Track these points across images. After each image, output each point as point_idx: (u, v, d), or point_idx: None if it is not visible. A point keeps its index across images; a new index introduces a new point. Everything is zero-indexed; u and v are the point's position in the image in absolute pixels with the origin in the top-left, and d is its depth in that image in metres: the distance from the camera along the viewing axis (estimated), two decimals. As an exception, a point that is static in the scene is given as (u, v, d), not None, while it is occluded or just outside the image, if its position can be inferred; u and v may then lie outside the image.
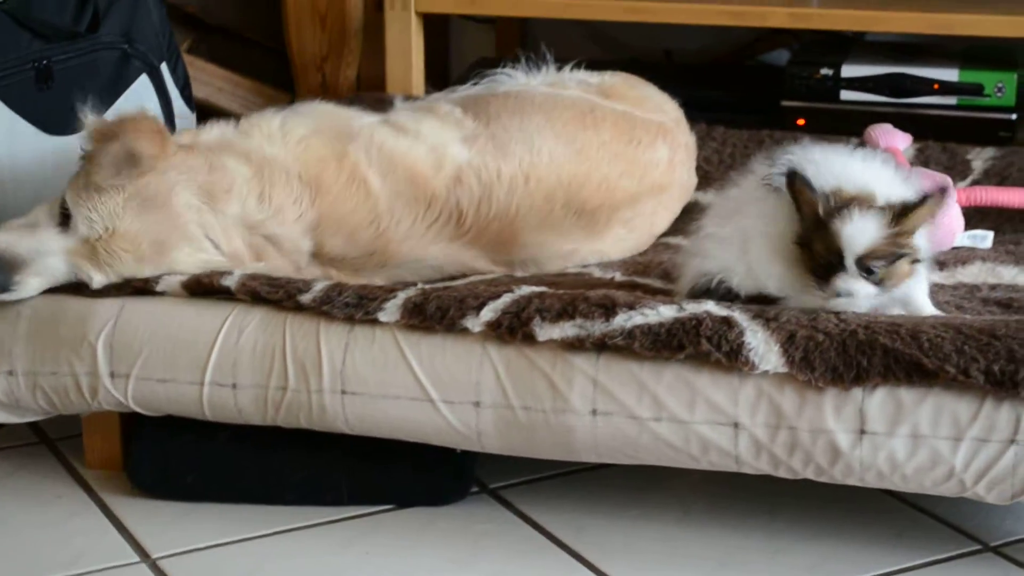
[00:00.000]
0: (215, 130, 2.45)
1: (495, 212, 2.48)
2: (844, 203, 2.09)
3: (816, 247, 2.10)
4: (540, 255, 2.53)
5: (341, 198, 2.42)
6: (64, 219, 2.28)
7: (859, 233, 2.08)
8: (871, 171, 2.15)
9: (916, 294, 2.22)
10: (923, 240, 2.13)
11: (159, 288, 2.26)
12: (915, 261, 2.13)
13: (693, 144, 2.80)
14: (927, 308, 2.20)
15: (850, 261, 2.09)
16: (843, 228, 2.08)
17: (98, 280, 2.27)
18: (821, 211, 2.09)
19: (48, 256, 2.26)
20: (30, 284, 2.27)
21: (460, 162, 2.49)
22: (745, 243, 2.18)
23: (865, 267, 2.09)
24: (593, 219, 2.54)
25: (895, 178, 2.16)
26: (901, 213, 2.09)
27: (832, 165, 2.15)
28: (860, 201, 2.10)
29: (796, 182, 2.11)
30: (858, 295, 2.10)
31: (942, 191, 2.13)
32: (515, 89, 2.68)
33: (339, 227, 2.41)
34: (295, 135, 2.45)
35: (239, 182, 2.36)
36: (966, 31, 3.07)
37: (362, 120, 2.55)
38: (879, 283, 2.10)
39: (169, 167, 2.30)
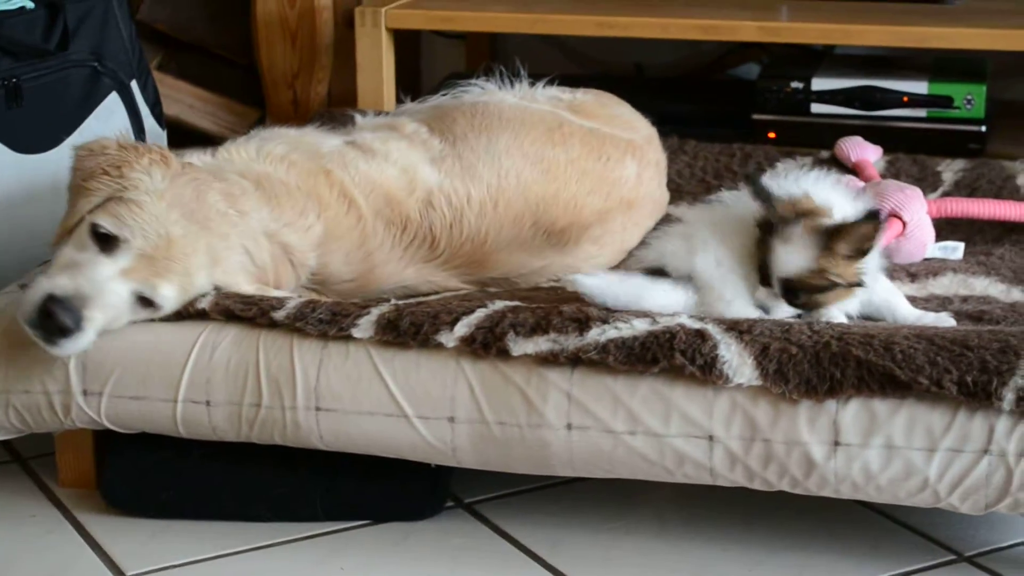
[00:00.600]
0: (194, 158, 2.39)
1: (466, 235, 2.48)
2: (792, 217, 2.15)
3: (760, 253, 2.15)
4: (511, 273, 2.53)
5: (339, 215, 2.39)
6: (104, 243, 2.19)
7: (788, 259, 2.15)
8: (835, 193, 2.22)
9: (899, 305, 2.26)
10: (873, 262, 2.20)
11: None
12: (856, 285, 2.19)
13: (664, 161, 2.80)
14: (912, 314, 2.26)
15: (775, 280, 2.17)
16: (777, 247, 2.15)
17: (165, 293, 2.18)
18: (772, 216, 2.16)
19: (108, 283, 2.15)
20: (96, 320, 2.15)
21: (431, 185, 2.48)
22: (689, 231, 2.26)
23: (790, 291, 2.17)
24: (562, 238, 2.54)
25: (855, 204, 2.22)
26: (833, 235, 2.14)
27: (802, 180, 2.23)
28: (809, 219, 2.15)
29: (755, 184, 2.19)
30: (775, 313, 2.17)
31: (878, 215, 2.18)
32: (482, 100, 2.67)
33: (339, 246, 2.39)
34: (275, 154, 2.42)
35: (248, 190, 2.33)
36: (935, 44, 3.08)
37: (328, 143, 2.52)
38: (803, 306, 2.18)
39: (185, 178, 2.25)
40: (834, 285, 2.17)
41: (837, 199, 2.21)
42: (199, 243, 2.21)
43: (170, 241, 2.19)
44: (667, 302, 2.20)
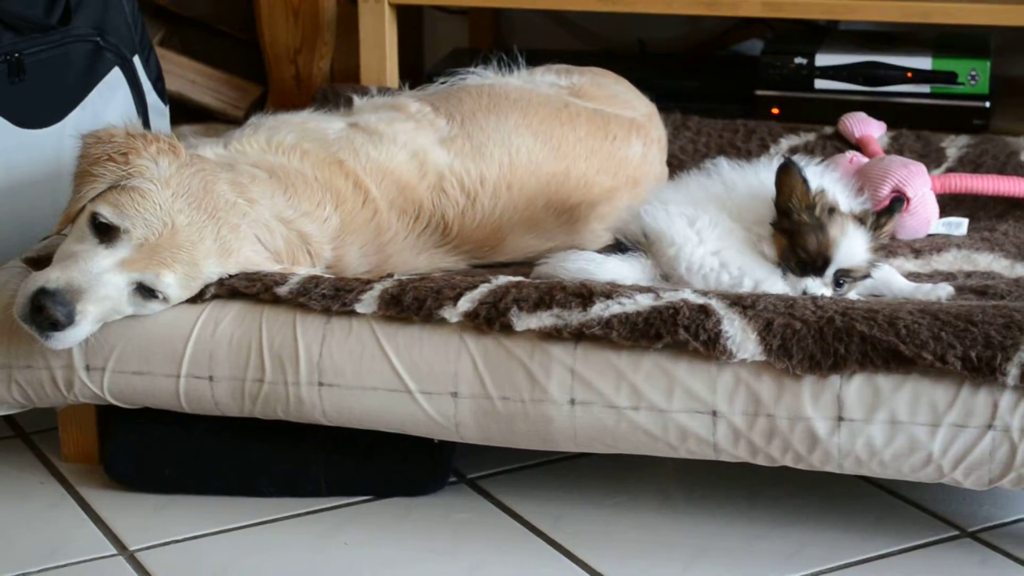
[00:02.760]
0: (207, 150, 2.36)
1: (480, 219, 2.47)
2: (832, 208, 2.19)
3: (805, 244, 2.16)
4: (520, 256, 2.52)
5: (355, 209, 2.37)
6: (103, 234, 2.16)
7: (853, 250, 2.18)
8: (836, 187, 2.27)
9: (894, 280, 2.28)
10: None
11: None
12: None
13: (665, 138, 2.80)
14: (909, 286, 2.30)
15: (831, 272, 2.19)
16: (841, 240, 2.17)
17: (168, 281, 2.16)
18: (817, 212, 2.17)
19: (104, 275, 2.13)
20: (90, 313, 2.13)
21: (441, 167, 2.46)
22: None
23: (839, 280, 2.20)
24: (572, 217, 2.53)
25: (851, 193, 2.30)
26: (877, 227, 2.21)
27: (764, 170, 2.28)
28: (841, 210, 2.20)
29: (792, 172, 2.19)
30: (817, 293, 2.19)
31: (901, 199, 2.26)
32: (487, 83, 2.66)
33: (355, 239, 2.36)
34: (287, 144, 2.39)
35: (260, 178, 2.29)
36: (940, 19, 3.07)
37: (332, 127, 2.49)
38: (844, 292, 2.22)
39: (192, 166, 2.22)
40: (872, 270, 2.23)
41: (839, 193, 2.26)
42: (205, 231, 2.18)
43: (174, 229, 2.16)
44: (619, 274, 2.22)
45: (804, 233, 2.19)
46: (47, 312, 2.10)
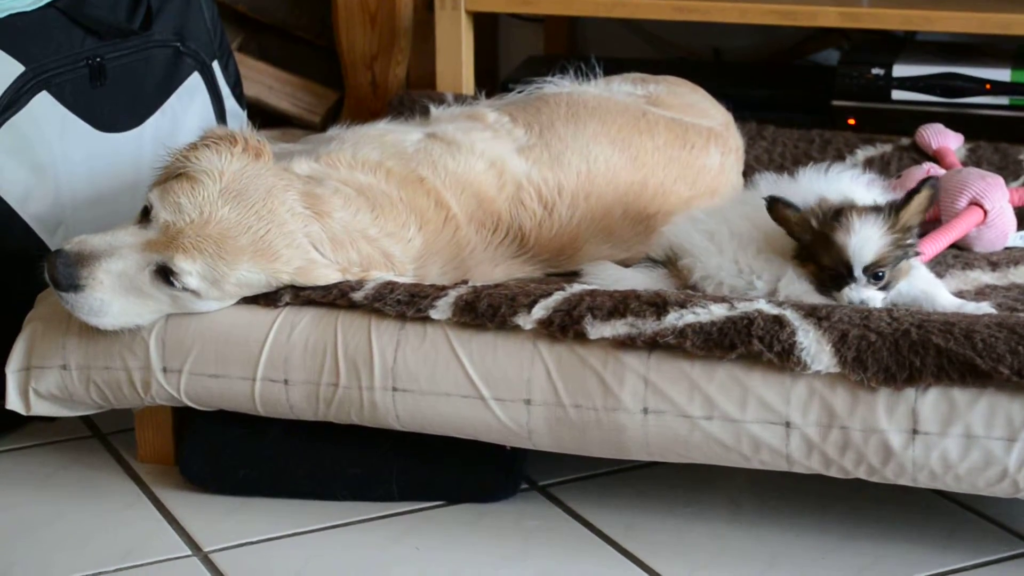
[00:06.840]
0: (303, 164, 2.34)
1: (557, 230, 2.47)
2: (836, 211, 2.16)
3: (822, 260, 2.15)
4: None
5: (437, 228, 2.36)
6: (144, 216, 2.21)
7: (866, 242, 2.14)
8: (844, 183, 2.24)
9: (938, 295, 2.25)
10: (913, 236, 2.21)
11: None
12: (916, 255, 2.20)
13: (742, 148, 2.79)
14: (952, 304, 2.24)
15: (859, 271, 2.16)
16: (849, 240, 2.14)
17: (183, 266, 2.15)
18: (816, 224, 2.16)
19: (122, 248, 2.17)
20: (102, 282, 2.17)
21: (519, 176, 2.46)
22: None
23: (873, 274, 2.16)
24: (649, 226, 2.52)
25: (868, 186, 2.25)
26: (896, 210, 2.16)
27: (808, 182, 2.24)
28: (849, 207, 2.16)
29: (777, 206, 2.18)
30: (871, 302, 2.16)
31: (932, 183, 2.19)
32: (564, 91, 2.66)
33: (437, 259, 2.36)
34: (371, 161, 2.38)
35: (345, 194, 2.28)
36: (1019, 31, 3.05)
37: (410, 138, 2.49)
38: (885, 286, 2.17)
39: (267, 170, 2.23)
40: (906, 256, 2.18)
41: (850, 189, 2.23)
42: (246, 229, 2.18)
43: (206, 220, 2.17)
44: (635, 284, 2.26)
45: (816, 251, 2.17)
46: (52, 269, 2.16)
